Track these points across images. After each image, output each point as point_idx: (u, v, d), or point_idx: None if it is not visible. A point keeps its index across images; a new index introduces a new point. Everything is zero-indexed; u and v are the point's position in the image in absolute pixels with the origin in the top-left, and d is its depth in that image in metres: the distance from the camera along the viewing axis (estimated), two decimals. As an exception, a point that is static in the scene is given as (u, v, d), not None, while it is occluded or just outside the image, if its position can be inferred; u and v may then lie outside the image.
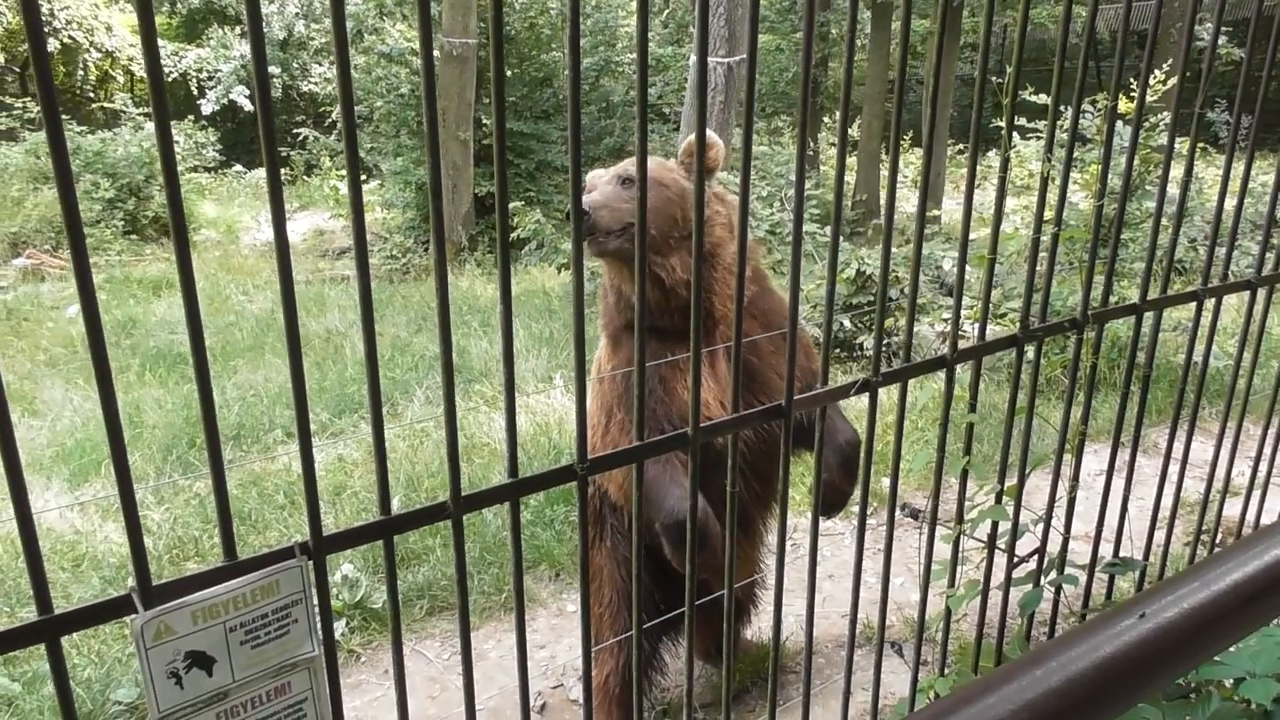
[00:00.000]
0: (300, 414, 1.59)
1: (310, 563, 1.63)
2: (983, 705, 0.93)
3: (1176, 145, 2.76)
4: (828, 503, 2.85)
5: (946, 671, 2.65)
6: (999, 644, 2.76)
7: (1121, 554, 3.02)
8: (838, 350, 7.10)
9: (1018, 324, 2.44)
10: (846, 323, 7.06)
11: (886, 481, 4.85)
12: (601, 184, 2.71)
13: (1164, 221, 2.70)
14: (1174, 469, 3.14)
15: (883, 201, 2.14)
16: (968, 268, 2.32)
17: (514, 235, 11.47)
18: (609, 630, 3.14)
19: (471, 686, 1.86)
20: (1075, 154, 2.41)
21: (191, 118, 17.98)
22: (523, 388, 6.79)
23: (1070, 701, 0.93)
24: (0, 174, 13.02)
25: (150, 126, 14.36)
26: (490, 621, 4.17)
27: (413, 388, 7.02)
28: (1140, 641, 0.83)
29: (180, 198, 1.44)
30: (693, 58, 8.74)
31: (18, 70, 21.23)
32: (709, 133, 2.56)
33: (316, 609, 1.66)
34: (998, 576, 2.66)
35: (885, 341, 7.30)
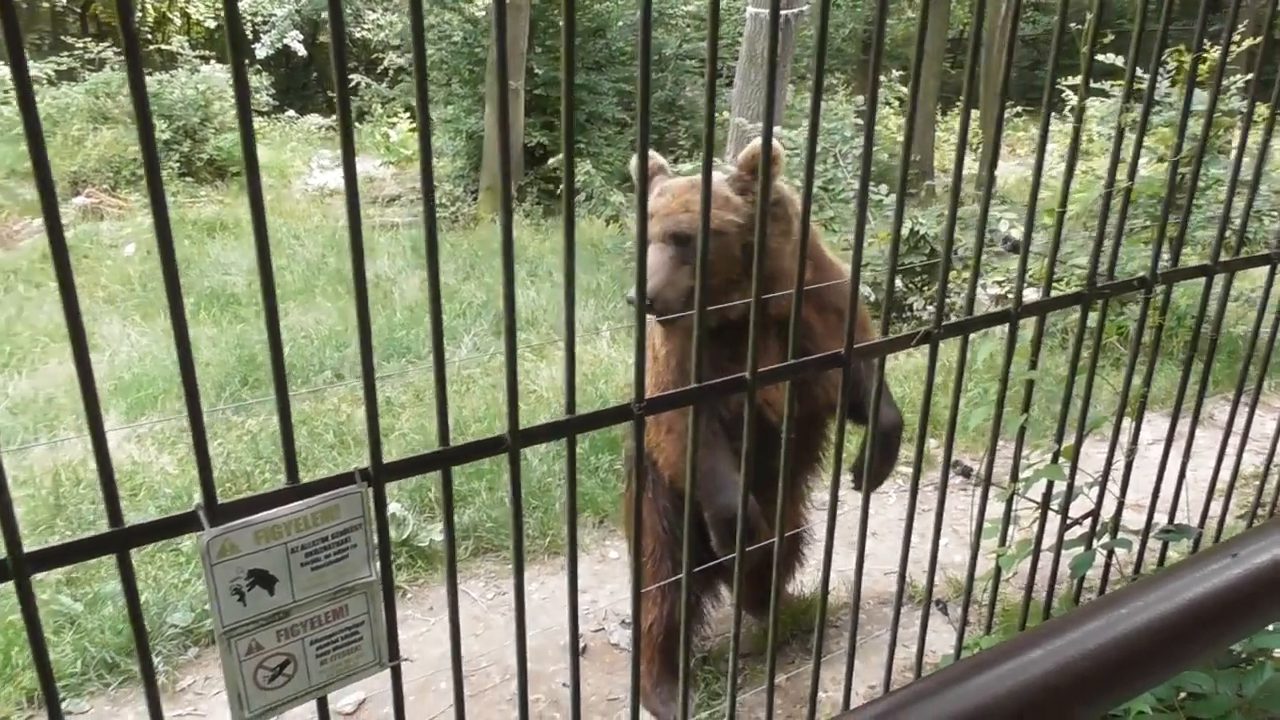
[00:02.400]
0: (364, 344, 1.60)
1: (370, 489, 1.65)
2: (1077, 635, 0.89)
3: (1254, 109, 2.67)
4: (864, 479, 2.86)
5: (993, 631, 2.64)
6: (1047, 605, 2.74)
7: (1176, 522, 2.98)
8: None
9: (1082, 283, 2.39)
10: (898, 282, 6.97)
11: (934, 440, 4.82)
12: (655, 253, 2.55)
13: (1236, 188, 2.62)
14: (1233, 442, 3.07)
15: (936, 160, 2.11)
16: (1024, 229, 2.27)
17: (561, 186, 11.46)
18: (651, 580, 3.16)
19: (523, 617, 1.89)
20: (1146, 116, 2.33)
21: (246, 61, 18.04)
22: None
23: (1154, 642, 0.90)
24: (61, 113, 13.19)
25: (206, 70, 14.47)
26: (533, 564, 4.22)
27: (460, 334, 7.07)
28: (1229, 586, 0.81)
29: (255, 153, 1.44)
30: (750, 9, 8.59)
31: (78, 11, 21.44)
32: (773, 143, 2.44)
33: (375, 536, 1.69)
34: (1049, 539, 2.63)
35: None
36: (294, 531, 1.59)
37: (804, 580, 3.87)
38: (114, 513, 1.50)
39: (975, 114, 18.99)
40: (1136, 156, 2.34)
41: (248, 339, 7.02)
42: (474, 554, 4.29)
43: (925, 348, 2.15)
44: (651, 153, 2.73)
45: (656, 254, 2.53)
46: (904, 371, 5.49)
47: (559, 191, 11.51)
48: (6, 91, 13.75)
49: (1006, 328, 2.31)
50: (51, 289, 8.45)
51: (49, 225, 1.36)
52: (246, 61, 1.43)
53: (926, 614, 2.54)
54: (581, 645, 3.74)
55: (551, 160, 11.98)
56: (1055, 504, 2.59)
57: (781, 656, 3.64)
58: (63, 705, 3.47)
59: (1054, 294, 2.44)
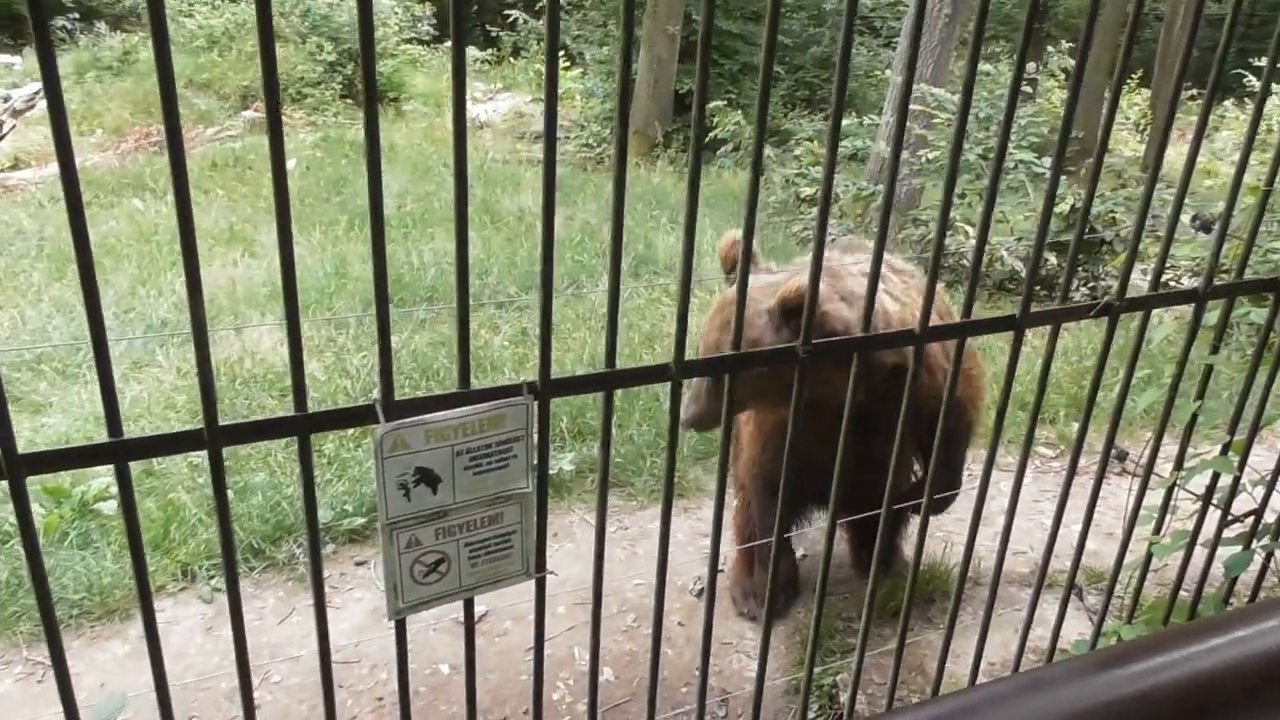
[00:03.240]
0: (546, 265, 1.63)
1: (536, 403, 1.69)
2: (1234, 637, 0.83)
3: None
4: (909, 500, 3.06)
5: (1134, 622, 2.55)
6: (1194, 603, 2.62)
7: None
8: (1038, 289, 6.77)
9: (1276, 270, 2.24)
10: (1053, 259, 6.70)
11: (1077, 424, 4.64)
12: (697, 380, 2.66)
13: None
14: None
15: (1101, 137, 1.98)
16: (1194, 210, 2.14)
17: (711, 136, 11.37)
18: (745, 503, 3.60)
19: (666, 546, 1.92)
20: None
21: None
22: (709, 285, 6.79)
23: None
24: (238, 30, 13.76)
25: (373, -6, 14.80)
26: (655, 504, 4.27)
27: (599, 273, 7.14)
28: None
29: (464, 88, 1.47)
30: (923, -35, 8.28)
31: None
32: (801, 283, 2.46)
33: (535, 449, 1.73)
34: (1205, 533, 2.52)
35: (1091, 285, 6.90)
36: (461, 435, 1.65)
37: (926, 550, 3.82)
38: (300, 399, 1.58)
39: (1146, 94, 18.00)
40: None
41: (395, 259, 7.25)
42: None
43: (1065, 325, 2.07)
44: (739, 236, 2.76)
45: (698, 381, 2.66)
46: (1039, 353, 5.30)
47: (708, 140, 11.44)
48: (191, 4, 14.40)
49: (1183, 309, 2.19)
50: (219, 195, 8.92)
51: (271, 136, 1.42)
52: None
53: (1067, 597, 2.47)
54: (698, 587, 3.79)
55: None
56: (1216, 499, 2.47)
57: (895, 623, 3.61)
58: (211, 582, 3.71)
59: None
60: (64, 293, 6.39)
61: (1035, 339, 5.26)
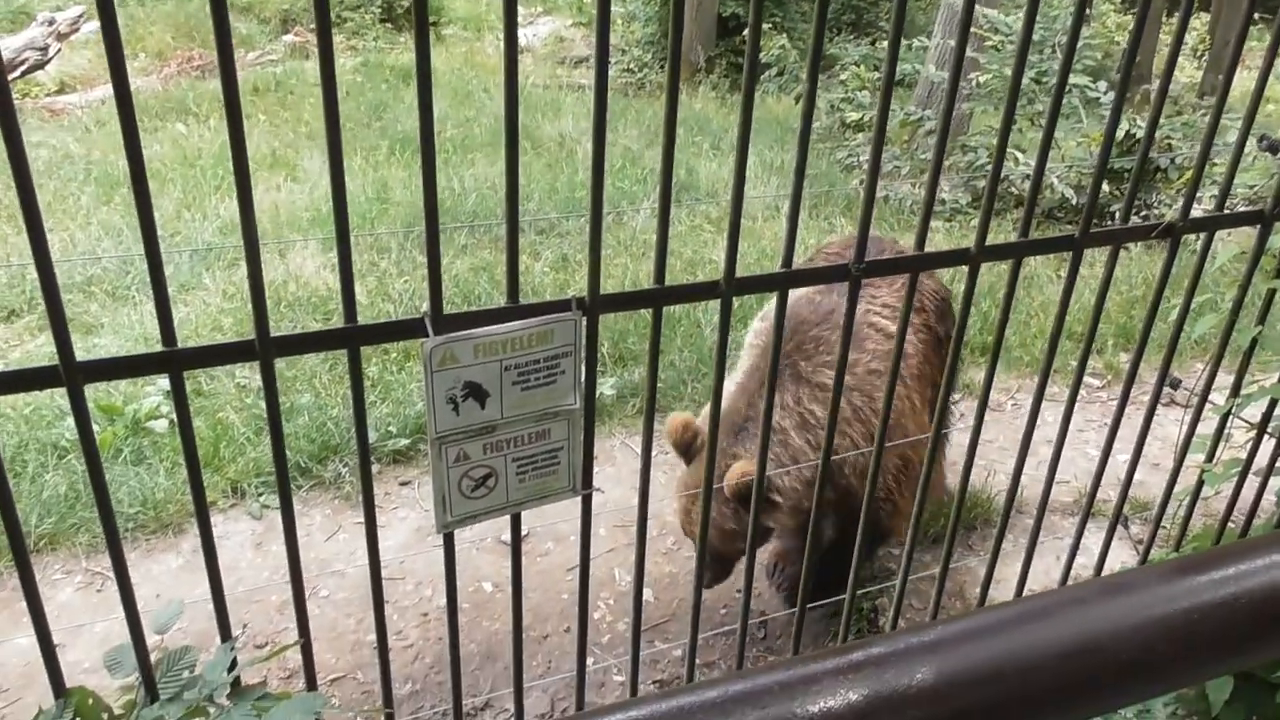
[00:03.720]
0: (596, 179, 1.60)
1: (585, 319, 1.68)
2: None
3: None
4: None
5: (1182, 550, 2.53)
6: (1244, 531, 2.59)
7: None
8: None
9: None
10: (1104, 187, 6.53)
11: (1125, 354, 4.57)
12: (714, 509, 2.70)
13: None
14: None
15: (1156, 64, 1.89)
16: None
17: (754, 60, 11.13)
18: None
19: (712, 472, 1.92)
20: None
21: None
22: (750, 212, 6.72)
23: None
24: (275, -48, 13.58)
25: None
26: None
27: (639, 198, 7.07)
28: None
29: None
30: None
31: None
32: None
33: (583, 366, 1.73)
34: (1258, 463, 2.48)
35: (1144, 214, 6.74)
36: (510, 350, 1.65)
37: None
38: (350, 312, 1.58)
39: (1204, 18, 17.30)
40: None
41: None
42: (639, 412, 4.38)
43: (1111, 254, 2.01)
44: (688, 420, 2.90)
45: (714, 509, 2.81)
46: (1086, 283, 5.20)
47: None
48: (226, -75, 14.20)
49: (1243, 237, 2.13)
50: (260, 120, 8.90)
51: (323, 65, 1.41)
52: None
53: (1114, 525, 2.45)
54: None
55: (746, 32, 11.60)
56: (1272, 427, 2.42)
57: (934, 550, 3.61)
58: (260, 499, 3.78)
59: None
60: (111, 216, 6.44)
61: (1083, 268, 5.15)
